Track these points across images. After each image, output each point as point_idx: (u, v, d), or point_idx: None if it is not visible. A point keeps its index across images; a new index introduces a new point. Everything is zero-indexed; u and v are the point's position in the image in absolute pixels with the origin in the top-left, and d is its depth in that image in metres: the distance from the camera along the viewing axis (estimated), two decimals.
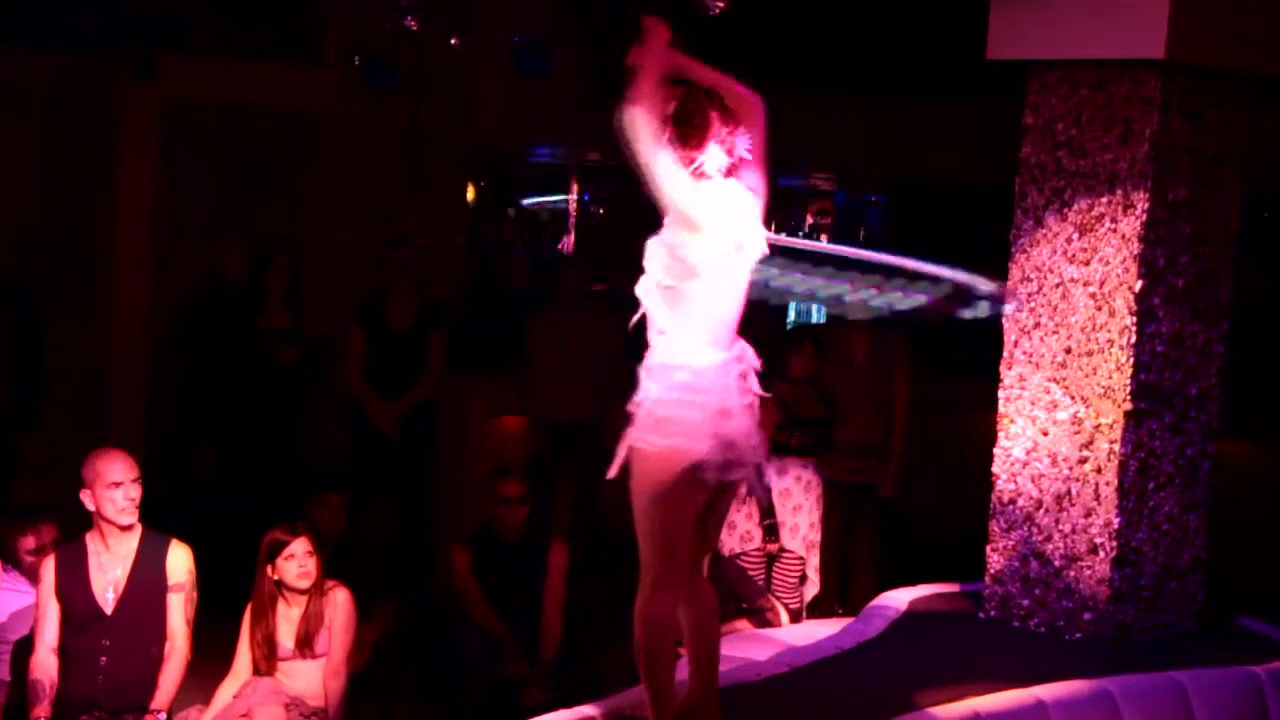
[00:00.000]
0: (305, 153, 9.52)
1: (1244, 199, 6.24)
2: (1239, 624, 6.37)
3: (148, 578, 5.78)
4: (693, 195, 4.30)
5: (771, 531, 7.74)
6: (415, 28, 7.78)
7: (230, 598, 6.19)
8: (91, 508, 5.75)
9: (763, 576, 7.74)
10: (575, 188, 12.61)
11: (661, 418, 4.27)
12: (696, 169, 4.34)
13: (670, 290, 4.32)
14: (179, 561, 5.85)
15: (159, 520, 5.95)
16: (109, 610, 5.76)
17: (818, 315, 12.91)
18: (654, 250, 4.36)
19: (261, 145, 9.31)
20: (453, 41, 8.08)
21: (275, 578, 5.97)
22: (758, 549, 7.77)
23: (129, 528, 5.77)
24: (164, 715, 5.79)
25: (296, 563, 5.95)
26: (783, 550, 7.82)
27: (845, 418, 7.82)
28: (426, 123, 9.53)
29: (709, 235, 4.31)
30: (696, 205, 4.30)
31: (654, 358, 4.34)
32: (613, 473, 4.33)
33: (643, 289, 4.37)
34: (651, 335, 4.36)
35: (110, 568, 5.77)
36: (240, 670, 5.97)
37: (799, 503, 7.87)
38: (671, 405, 4.27)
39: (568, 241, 12.64)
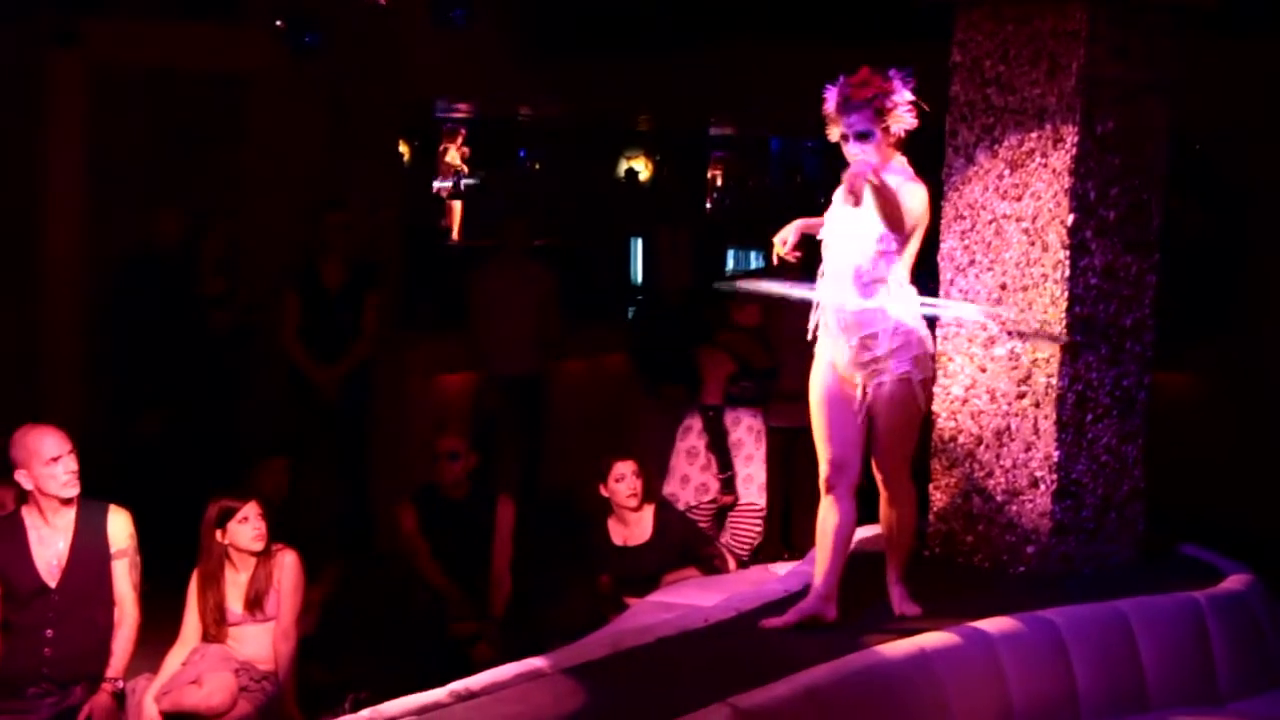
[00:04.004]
0: (235, 114, 9.42)
1: (1171, 130, 6.28)
2: (1180, 552, 6.45)
3: (90, 547, 5.73)
4: None
5: (729, 484, 7.77)
6: None
7: (170, 564, 6.16)
8: (29, 486, 5.68)
9: (712, 528, 7.77)
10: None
11: (930, 350, 5.33)
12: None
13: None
14: (119, 527, 5.80)
15: (96, 490, 5.90)
16: (53, 583, 5.71)
17: (755, 261, 12.96)
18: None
19: (191, 108, 9.19)
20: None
21: (225, 542, 5.94)
22: (712, 501, 7.79)
23: (70, 501, 5.72)
24: (121, 683, 5.77)
25: (250, 525, 5.93)
26: (737, 502, 7.85)
27: (787, 365, 7.83)
28: (353, 80, 9.44)
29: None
30: None
31: (908, 302, 5.19)
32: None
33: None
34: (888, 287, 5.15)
35: (51, 541, 5.71)
36: (188, 637, 5.94)
37: (750, 453, 7.89)
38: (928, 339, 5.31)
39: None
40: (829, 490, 5.38)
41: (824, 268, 5.29)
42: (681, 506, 7.68)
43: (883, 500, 5.52)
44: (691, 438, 7.91)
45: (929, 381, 5.42)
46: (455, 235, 12.91)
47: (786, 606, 5.56)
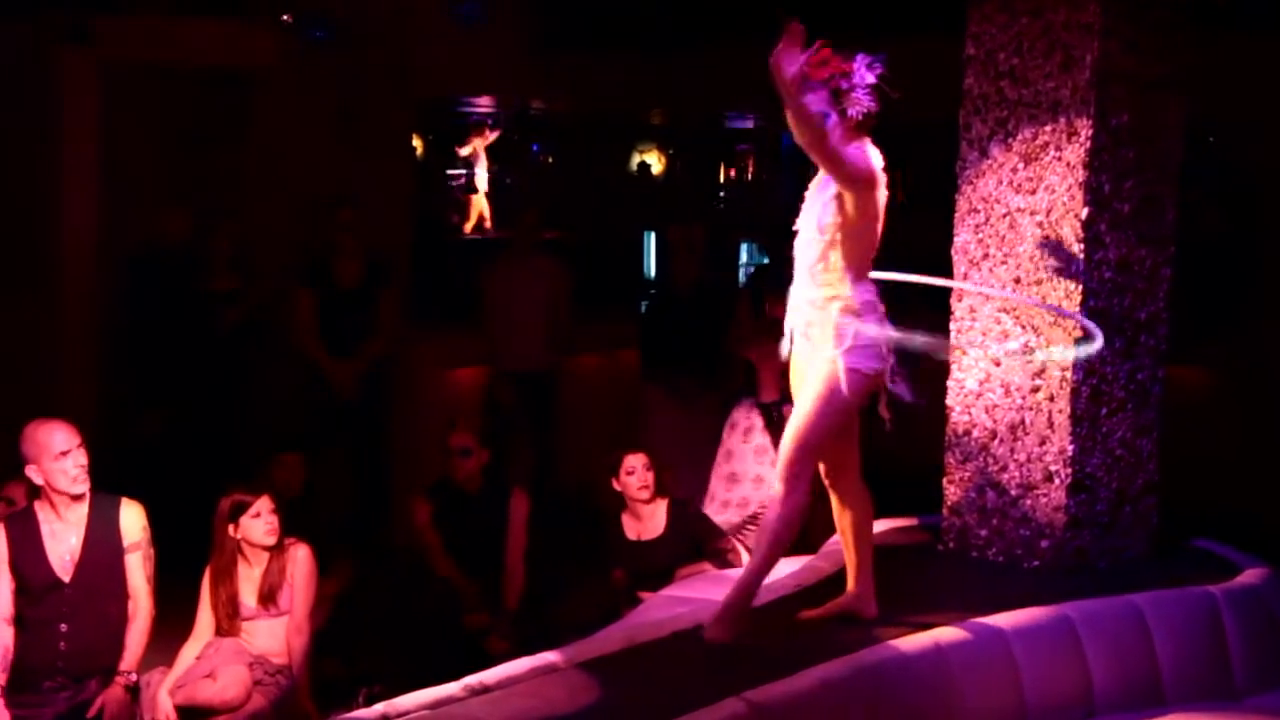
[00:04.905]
0: (246, 110, 9.41)
1: (1185, 125, 6.26)
2: (1194, 546, 6.43)
3: (103, 542, 5.73)
4: None
5: None
6: None
7: (181, 560, 6.16)
8: (40, 481, 5.68)
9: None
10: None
11: (875, 346, 5.01)
12: None
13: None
14: (132, 520, 5.81)
15: (109, 486, 5.90)
16: (66, 578, 5.71)
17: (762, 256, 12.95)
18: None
19: (202, 105, 9.19)
20: None
21: (238, 537, 5.95)
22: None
23: (80, 496, 5.73)
24: (134, 676, 5.78)
25: (263, 520, 5.95)
26: None
27: None
28: (363, 77, 9.42)
29: None
30: None
31: (857, 298, 5.01)
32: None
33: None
34: (835, 279, 5.02)
35: (64, 536, 5.71)
36: (202, 631, 5.95)
37: None
38: (879, 335, 5.02)
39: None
40: (830, 489, 5.36)
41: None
42: (754, 509, 7.60)
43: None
44: (756, 436, 7.81)
45: (865, 375, 5.04)
46: (467, 229, 12.89)
47: (797, 601, 5.56)
